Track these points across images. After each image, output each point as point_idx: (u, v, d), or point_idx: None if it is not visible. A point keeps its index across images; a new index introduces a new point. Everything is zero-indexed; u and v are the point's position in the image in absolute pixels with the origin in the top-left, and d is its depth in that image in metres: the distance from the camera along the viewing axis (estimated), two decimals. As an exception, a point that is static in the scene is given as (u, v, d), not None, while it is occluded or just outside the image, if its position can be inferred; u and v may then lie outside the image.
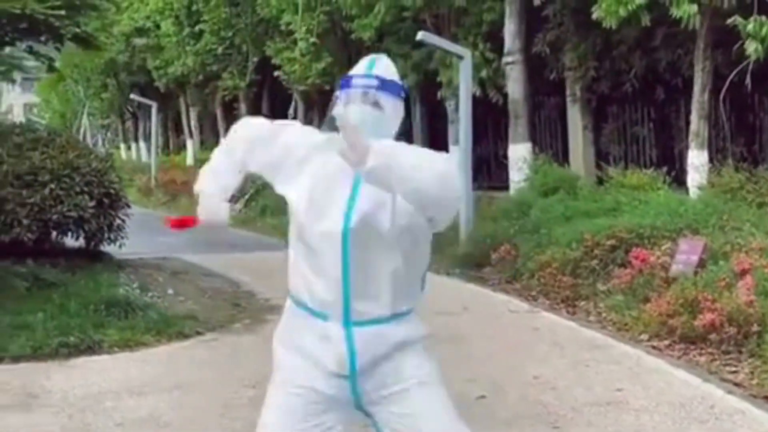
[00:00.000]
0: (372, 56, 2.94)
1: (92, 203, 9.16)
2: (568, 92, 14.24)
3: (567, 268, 9.22)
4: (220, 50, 24.85)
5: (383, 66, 2.88)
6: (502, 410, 5.47)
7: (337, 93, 2.87)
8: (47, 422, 5.37)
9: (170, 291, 9.45)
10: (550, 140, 15.84)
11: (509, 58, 14.22)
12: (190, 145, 30.42)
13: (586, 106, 14.10)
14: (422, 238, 2.85)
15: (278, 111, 22.62)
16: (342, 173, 2.73)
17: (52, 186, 8.89)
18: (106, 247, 10.16)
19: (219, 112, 27.85)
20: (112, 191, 9.49)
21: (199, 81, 26.89)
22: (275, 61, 21.23)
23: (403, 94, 2.89)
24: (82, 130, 42.49)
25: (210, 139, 29.47)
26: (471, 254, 11.03)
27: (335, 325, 2.79)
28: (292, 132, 2.94)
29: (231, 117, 23.88)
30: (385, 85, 2.82)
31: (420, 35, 12.06)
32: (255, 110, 22.98)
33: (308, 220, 2.78)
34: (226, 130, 4.17)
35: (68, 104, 46.84)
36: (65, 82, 40.48)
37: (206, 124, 31.28)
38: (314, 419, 2.80)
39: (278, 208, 19.00)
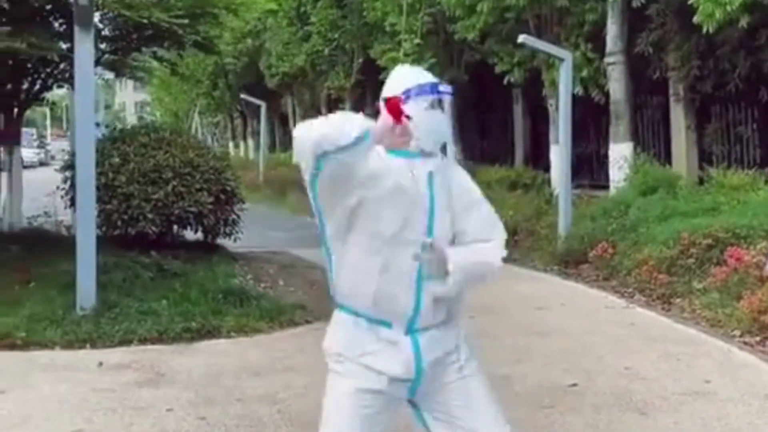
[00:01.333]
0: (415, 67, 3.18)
1: (210, 199, 9.79)
2: (671, 92, 14.31)
3: (663, 265, 9.44)
4: (326, 51, 25.53)
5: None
6: (592, 397, 5.80)
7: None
8: (175, 396, 5.93)
9: (281, 282, 10.02)
10: (652, 140, 15.87)
11: (611, 59, 14.38)
12: (297, 143, 31.16)
13: (689, 105, 14.14)
14: None
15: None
16: (418, 194, 3.02)
17: (175, 183, 9.54)
18: (221, 241, 10.79)
19: (324, 111, 28.55)
20: (228, 188, 10.10)
21: (307, 80, 27.63)
22: (379, 62, 21.75)
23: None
24: (193, 128, 43.95)
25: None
26: (569, 252, 11.29)
27: (399, 332, 3.01)
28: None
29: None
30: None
31: (521, 38, 12.35)
32: (358, 110, 23.38)
33: (391, 229, 2.97)
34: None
35: (180, 103, 48.38)
36: (177, 82, 41.85)
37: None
38: (377, 420, 3.02)
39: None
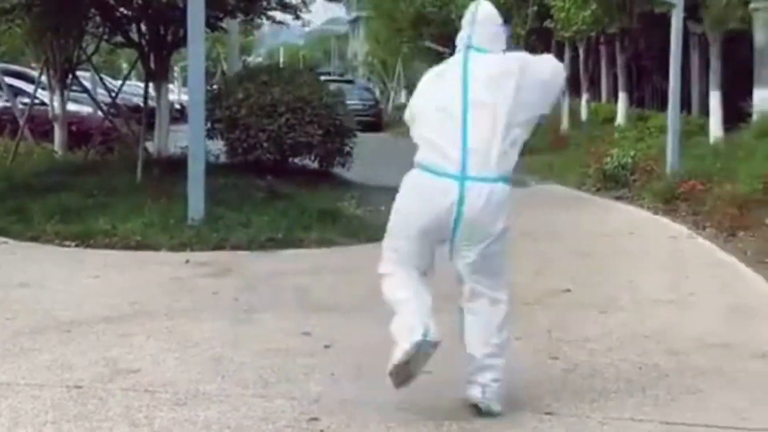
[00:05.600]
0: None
1: (320, 132, 10.94)
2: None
3: (738, 202, 9.73)
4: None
5: None
6: (575, 299, 6.54)
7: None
8: (227, 284, 7.12)
9: (382, 207, 11.04)
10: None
11: (757, 4, 14.36)
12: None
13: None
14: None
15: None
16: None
17: (288, 116, 10.76)
18: (338, 171, 11.96)
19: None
20: (337, 122, 11.22)
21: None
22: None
23: None
24: (397, 75, 45.71)
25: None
26: (667, 189, 11.65)
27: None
28: None
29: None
30: None
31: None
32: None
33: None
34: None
35: (386, 52, 50.14)
36: (384, 30, 43.50)
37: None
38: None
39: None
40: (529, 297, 6.60)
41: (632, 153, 13.75)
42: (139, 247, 8.80)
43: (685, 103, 20.22)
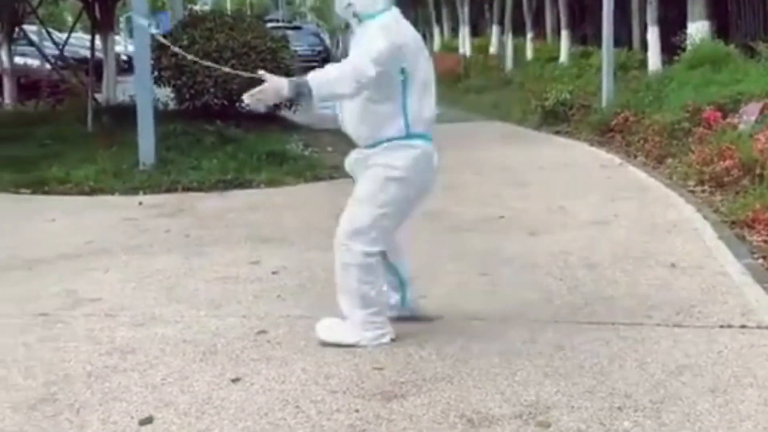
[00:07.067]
0: None
1: (266, 76, 11.20)
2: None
3: (666, 131, 10.24)
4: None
5: None
6: (505, 224, 7.01)
7: None
8: (178, 223, 7.50)
9: (329, 149, 11.41)
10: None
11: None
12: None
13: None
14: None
15: None
16: None
17: (233, 62, 11.01)
18: (285, 114, 12.25)
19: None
20: (282, 66, 11.50)
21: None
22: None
23: None
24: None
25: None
26: (601, 122, 12.14)
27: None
28: None
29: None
30: None
31: None
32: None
33: None
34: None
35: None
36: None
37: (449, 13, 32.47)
38: None
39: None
40: (466, 224, 7.08)
41: (570, 89, 14.22)
42: (93, 192, 9.14)
43: (627, 39, 20.73)
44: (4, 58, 14.06)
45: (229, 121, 11.28)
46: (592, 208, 7.52)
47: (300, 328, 4.56)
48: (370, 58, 4.10)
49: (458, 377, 3.87)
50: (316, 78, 4.10)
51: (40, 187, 9.24)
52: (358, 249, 4.25)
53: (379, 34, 4.17)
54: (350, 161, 4.47)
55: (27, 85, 15.05)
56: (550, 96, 14.06)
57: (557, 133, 13.15)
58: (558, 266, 5.72)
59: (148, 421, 3.46)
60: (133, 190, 9.11)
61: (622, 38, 20.98)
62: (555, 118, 13.81)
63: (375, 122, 4.29)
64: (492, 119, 15.56)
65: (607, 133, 11.95)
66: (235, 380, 3.88)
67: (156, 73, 11.53)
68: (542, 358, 4.09)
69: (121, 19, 32.97)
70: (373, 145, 4.31)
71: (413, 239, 6.29)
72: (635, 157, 10.37)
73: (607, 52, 12.97)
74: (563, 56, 20.69)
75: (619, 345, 4.25)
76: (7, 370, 4.04)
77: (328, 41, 42.74)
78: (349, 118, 4.36)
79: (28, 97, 14.60)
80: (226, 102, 11.38)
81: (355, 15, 4.31)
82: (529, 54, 22.62)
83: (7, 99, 14.31)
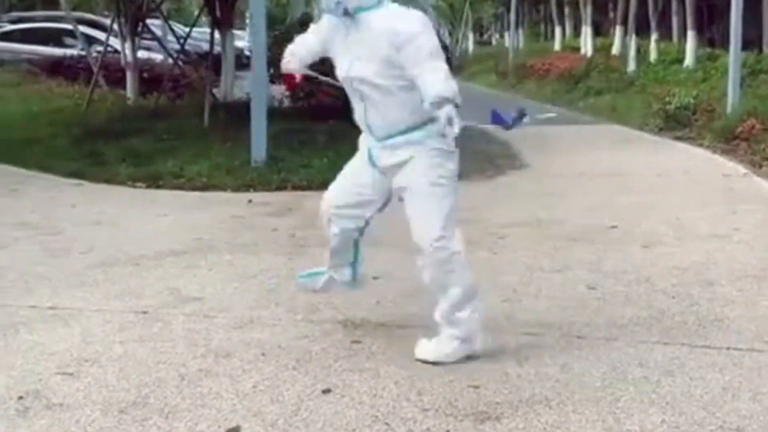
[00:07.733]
0: None
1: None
2: None
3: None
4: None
5: None
6: (620, 235, 6.74)
7: None
8: (286, 222, 7.49)
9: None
10: None
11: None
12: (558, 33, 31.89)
13: None
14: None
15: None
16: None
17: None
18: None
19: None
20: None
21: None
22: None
23: None
24: (465, 17, 45.63)
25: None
26: (726, 128, 11.66)
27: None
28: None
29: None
30: None
31: None
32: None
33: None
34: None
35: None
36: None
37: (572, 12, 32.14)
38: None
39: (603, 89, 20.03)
40: (576, 233, 6.85)
41: (695, 93, 13.75)
42: (205, 188, 9.24)
43: (757, 42, 19.92)
44: (128, 52, 14.41)
45: (342, 121, 11.24)
46: (711, 221, 7.19)
47: (396, 338, 4.45)
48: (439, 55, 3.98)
49: (557, 400, 3.70)
50: (452, 89, 3.91)
51: (154, 181, 9.41)
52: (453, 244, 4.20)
53: (417, 26, 3.96)
54: (376, 155, 4.34)
55: (150, 78, 15.42)
56: (672, 100, 13.63)
57: (678, 138, 12.72)
58: (671, 283, 5.46)
59: (235, 431, 3.41)
60: (244, 187, 9.18)
61: (752, 41, 20.26)
62: (677, 123, 13.37)
63: (411, 109, 4.07)
64: (611, 122, 15.16)
65: (731, 140, 11.49)
66: (325, 391, 3.79)
67: (272, 70, 11.61)
68: (648, 383, 3.87)
69: (247, 14, 33.64)
70: (405, 132, 4.14)
71: (517, 248, 6.15)
72: (761, 167, 9.90)
73: (734, 55, 12.46)
74: (688, 58, 20.06)
75: (733, 372, 3.99)
76: (103, 370, 4.05)
77: (447, 39, 42.60)
78: (384, 110, 4.18)
79: (150, 91, 14.94)
80: (340, 102, 11.34)
81: (346, 12, 4.05)
82: (653, 55, 22.01)
83: (129, 93, 14.67)
